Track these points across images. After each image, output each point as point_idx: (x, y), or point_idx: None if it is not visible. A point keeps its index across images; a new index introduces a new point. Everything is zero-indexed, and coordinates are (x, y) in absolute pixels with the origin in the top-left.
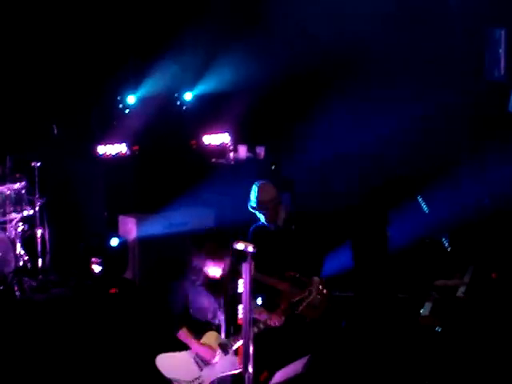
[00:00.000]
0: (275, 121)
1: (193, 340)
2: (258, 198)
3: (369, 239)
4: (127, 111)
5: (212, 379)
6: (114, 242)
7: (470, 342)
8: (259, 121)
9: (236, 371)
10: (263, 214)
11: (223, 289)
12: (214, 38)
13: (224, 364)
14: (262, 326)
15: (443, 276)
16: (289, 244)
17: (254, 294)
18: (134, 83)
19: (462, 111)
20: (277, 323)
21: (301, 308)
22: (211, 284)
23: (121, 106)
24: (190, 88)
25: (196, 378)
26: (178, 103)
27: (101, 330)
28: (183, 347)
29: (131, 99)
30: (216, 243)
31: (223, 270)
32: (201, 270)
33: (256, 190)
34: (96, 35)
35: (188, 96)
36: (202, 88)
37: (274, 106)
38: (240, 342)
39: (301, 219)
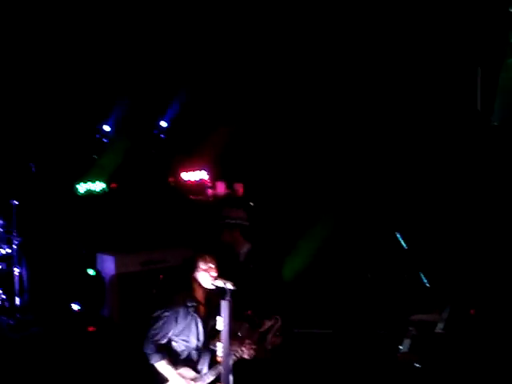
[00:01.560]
0: (253, 157)
1: (173, 370)
2: (226, 212)
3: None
4: (105, 141)
5: None
6: (91, 272)
7: (449, 377)
8: (237, 157)
9: None
10: (228, 231)
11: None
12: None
13: None
14: (233, 357)
15: (422, 311)
16: (247, 282)
17: None
18: (109, 112)
19: None
20: (250, 354)
21: (270, 336)
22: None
23: (98, 136)
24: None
25: None
26: (155, 132)
27: (79, 369)
28: None
29: (107, 128)
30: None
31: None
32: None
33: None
34: (70, 69)
35: (163, 124)
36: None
37: (252, 142)
38: (212, 378)
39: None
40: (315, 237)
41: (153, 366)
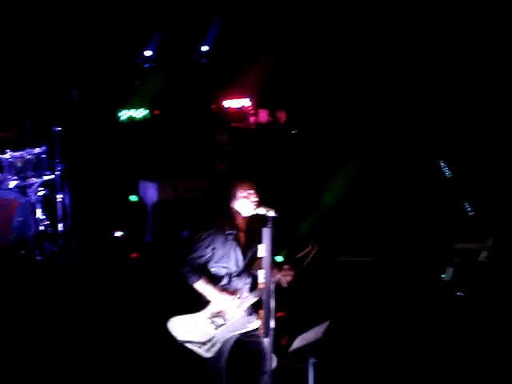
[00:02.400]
0: (297, 84)
1: (212, 288)
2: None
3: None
4: (147, 66)
5: (225, 338)
6: (133, 198)
7: (492, 306)
8: (280, 84)
9: (248, 329)
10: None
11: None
12: None
13: (237, 323)
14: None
15: (466, 240)
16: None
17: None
18: (150, 37)
19: None
20: (287, 280)
21: (305, 262)
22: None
23: (139, 61)
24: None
25: (209, 339)
26: (196, 56)
27: (121, 295)
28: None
29: (148, 53)
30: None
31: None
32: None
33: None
34: None
35: (205, 48)
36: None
37: (295, 68)
38: (251, 301)
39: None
40: (357, 163)
41: (193, 290)
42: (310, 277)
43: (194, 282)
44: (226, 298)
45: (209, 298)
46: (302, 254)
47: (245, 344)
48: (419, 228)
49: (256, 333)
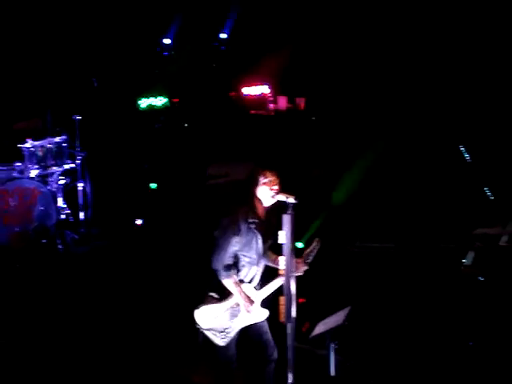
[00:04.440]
0: (316, 71)
1: (240, 288)
2: None
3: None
4: (166, 54)
5: (239, 329)
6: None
7: None
8: (300, 71)
9: (262, 319)
10: None
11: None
12: None
13: (253, 314)
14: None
15: (486, 225)
16: None
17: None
18: (169, 25)
19: None
20: (299, 272)
21: (311, 258)
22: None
23: (158, 49)
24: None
25: (226, 328)
26: (215, 44)
27: (141, 281)
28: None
29: (167, 41)
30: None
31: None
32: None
33: None
34: None
35: (223, 35)
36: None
37: (314, 55)
38: (267, 293)
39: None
40: (378, 149)
41: (219, 282)
42: (330, 263)
43: (223, 279)
44: (249, 302)
45: (237, 299)
46: (308, 250)
47: (249, 331)
48: (440, 213)
49: (260, 322)
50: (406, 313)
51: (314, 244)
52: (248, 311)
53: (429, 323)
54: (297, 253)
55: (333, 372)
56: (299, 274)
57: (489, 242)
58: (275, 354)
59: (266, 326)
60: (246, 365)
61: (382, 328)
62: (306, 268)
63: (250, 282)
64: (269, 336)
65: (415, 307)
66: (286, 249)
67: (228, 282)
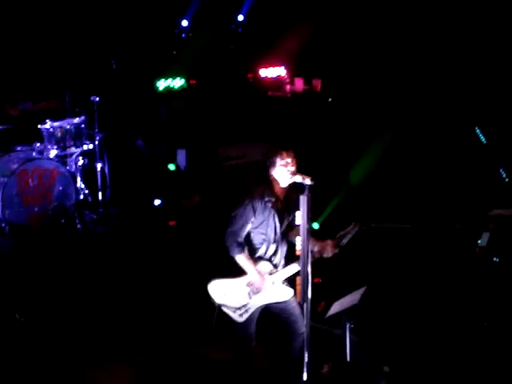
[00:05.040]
0: (332, 52)
1: (251, 265)
2: None
3: None
4: (183, 36)
5: (258, 307)
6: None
7: None
8: (316, 52)
9: (282, 300)
10: None
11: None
12: None
13: (272, 294)
14: (316, 255)
15: (501, 206)
16: None
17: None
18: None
19: None
20: (329, 254)
21: (345, 241)
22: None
23: (176, 31)
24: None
25: (243, 306)
26: (233, 26)
27: (159, 261)
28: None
29: (185, 23)
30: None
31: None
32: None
33: None
34: None
35: (240, 17)
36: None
37: (331, 36)
38: (288, 273)
39: None
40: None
41: (232, 259)
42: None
43: (235, 255)
44: (262, 277)
45: (248, 273)
46: (343, 232)
47: (273, 310)
48: (455, 194)
49: (285, 301)
50: (421, 293)
51: (351, 227)
52: (258, 288)
53: (444, 303)
54: (326, 234)
55: (348, 353)
56: (327, 256)
57: (504, 224)
58: (302, 329)
59: (292, 305)
60: (266, 341)
61: (397, 308)
62: (335, 251)
63: (269, 260)
64: (296, 314)
65: (430, 287)
66: (303, 230)
67: (240, 258)
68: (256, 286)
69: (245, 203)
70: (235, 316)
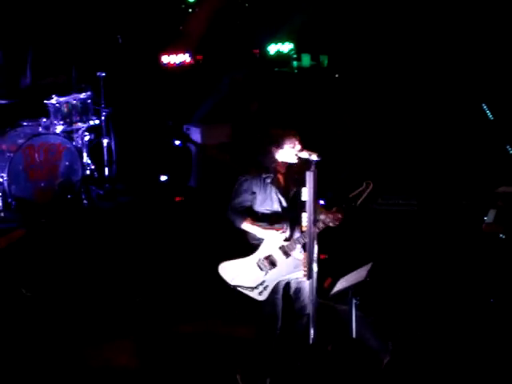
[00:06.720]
0: (339, 28)
1: (259, 227)
2: None
3: None
4: (190, 10)
5: (276, 283)
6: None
7: None
8: (323, 28)
9: (299, 273)
10: None
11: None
12: None
13: (287, 266)
14: (321, 225)
15: (508, 183)
16: None
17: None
18: None
19: None
20: (336, 222)
21: (359, 201)
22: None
23: (183, 6)
24: None
25: (260, 284)
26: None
27: (165, 237)
28: (245, 254)
29: None
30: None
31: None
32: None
33: None
34: None
35: None
36: None
37: (338, 11)
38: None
39: None
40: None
41: (239, 234)
42: (352, 218)
43: (240, 224)
44: (273, 232)
45: (258, 235)
46: (355, 193)
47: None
48: (462, 171)
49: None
50: (427, 270)
51: (363, 187)
52: (274, 239)
53: (450, 280)
54: (336, 200)
55: (354, 329)
56: (332, 225)
57: (510, 201)
58: (309, 308)
59: (306, 283)
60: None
61: (403, 284)
62: (340, 216)
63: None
64: (305, 290)
65: (437, 264)
66: (309, 206)
67: (245, 225)
68: (271, 238)
69: (240, 180)
70: (254, 295)
